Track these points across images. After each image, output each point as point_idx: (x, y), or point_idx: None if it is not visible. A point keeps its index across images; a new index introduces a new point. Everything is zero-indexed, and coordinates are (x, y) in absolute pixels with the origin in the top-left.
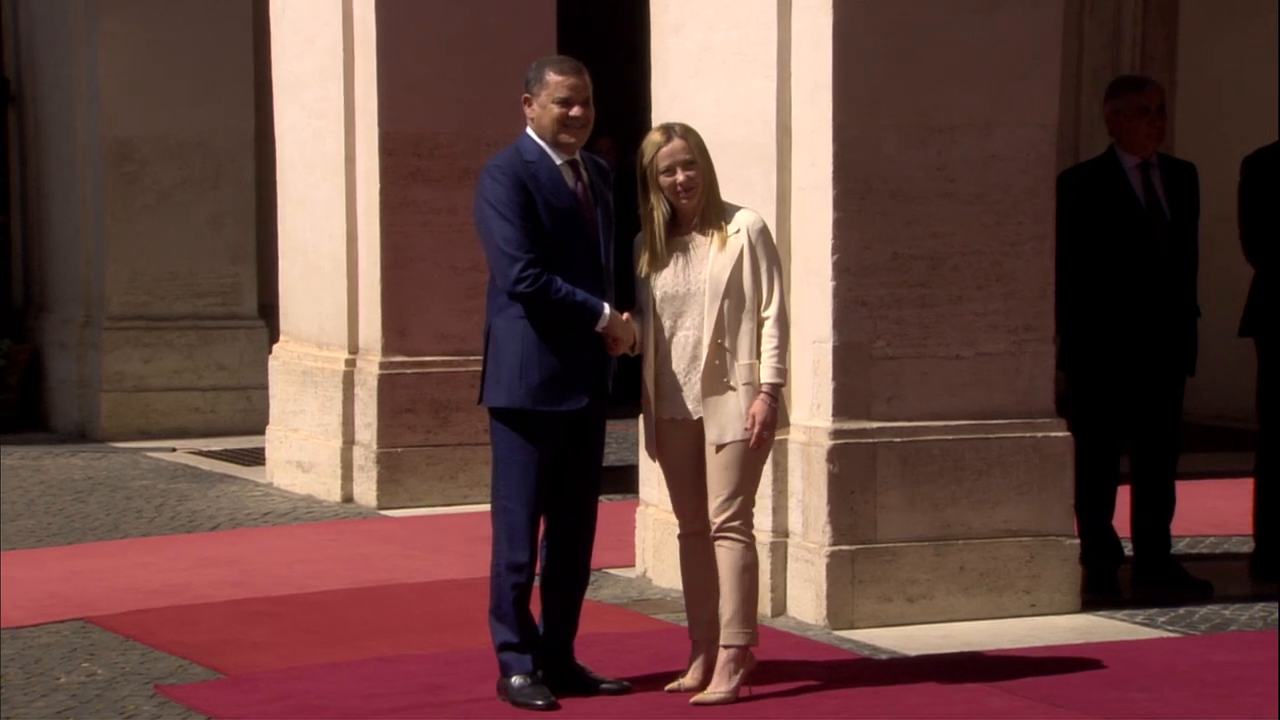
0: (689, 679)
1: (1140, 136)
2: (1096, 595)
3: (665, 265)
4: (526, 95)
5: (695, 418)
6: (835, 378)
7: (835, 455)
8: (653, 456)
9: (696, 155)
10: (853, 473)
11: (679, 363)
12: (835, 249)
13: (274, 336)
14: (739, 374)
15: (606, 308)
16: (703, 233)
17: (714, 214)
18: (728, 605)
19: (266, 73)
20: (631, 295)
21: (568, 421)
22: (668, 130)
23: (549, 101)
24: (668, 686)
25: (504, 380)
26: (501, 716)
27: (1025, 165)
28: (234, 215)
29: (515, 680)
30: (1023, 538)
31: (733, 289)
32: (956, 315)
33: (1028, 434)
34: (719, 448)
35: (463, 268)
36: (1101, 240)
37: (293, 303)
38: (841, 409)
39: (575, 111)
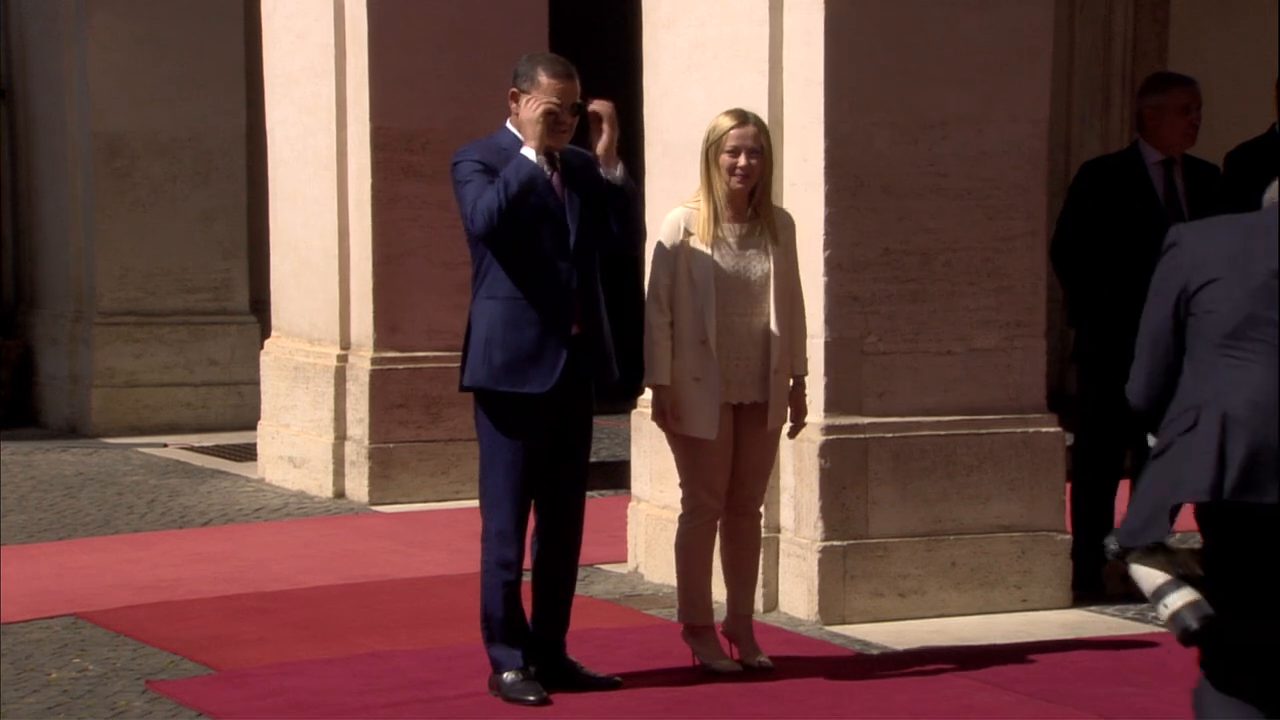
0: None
1: (1179, 134)
2: (1088, 591)
3: (719, 246)
4: (514, 90)
5: (750, 401)
6: (827, 373)
7: (827, 451)
8: (710, 434)
9: (765, 146)
10: (844, 468)
11: (743, 349)
12: (827, 245)
13: (265, 332)
14: (785, 365)
15: (523, 151)
16: (755, 223)
17: (766, 208)
18: (756, 576)
19: (258, 68)
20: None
21: (548, 410)
22: (743, 115)
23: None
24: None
25: (472, 361)
26: (494, 712)
27: (1017, 161)
28: (225, 211)
29: (507, 676)
30: (1014, 533)
31: (789, 283)
32: (948, 311)
33: (1019, 429)
34: (770, 433)
35: (454, 263)
36: (1117, 234)
37: (284, 298)
38: (833, 404)
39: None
